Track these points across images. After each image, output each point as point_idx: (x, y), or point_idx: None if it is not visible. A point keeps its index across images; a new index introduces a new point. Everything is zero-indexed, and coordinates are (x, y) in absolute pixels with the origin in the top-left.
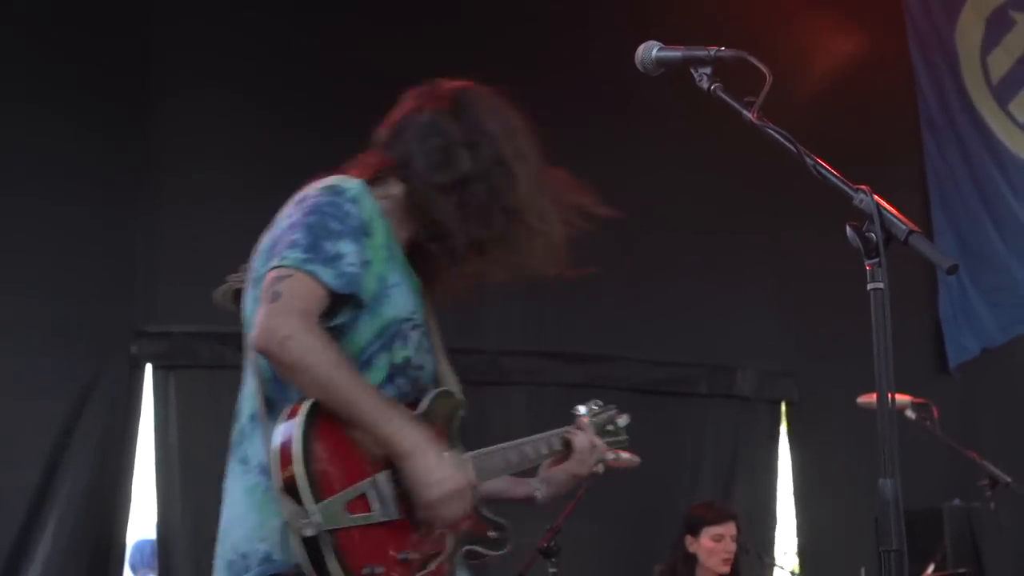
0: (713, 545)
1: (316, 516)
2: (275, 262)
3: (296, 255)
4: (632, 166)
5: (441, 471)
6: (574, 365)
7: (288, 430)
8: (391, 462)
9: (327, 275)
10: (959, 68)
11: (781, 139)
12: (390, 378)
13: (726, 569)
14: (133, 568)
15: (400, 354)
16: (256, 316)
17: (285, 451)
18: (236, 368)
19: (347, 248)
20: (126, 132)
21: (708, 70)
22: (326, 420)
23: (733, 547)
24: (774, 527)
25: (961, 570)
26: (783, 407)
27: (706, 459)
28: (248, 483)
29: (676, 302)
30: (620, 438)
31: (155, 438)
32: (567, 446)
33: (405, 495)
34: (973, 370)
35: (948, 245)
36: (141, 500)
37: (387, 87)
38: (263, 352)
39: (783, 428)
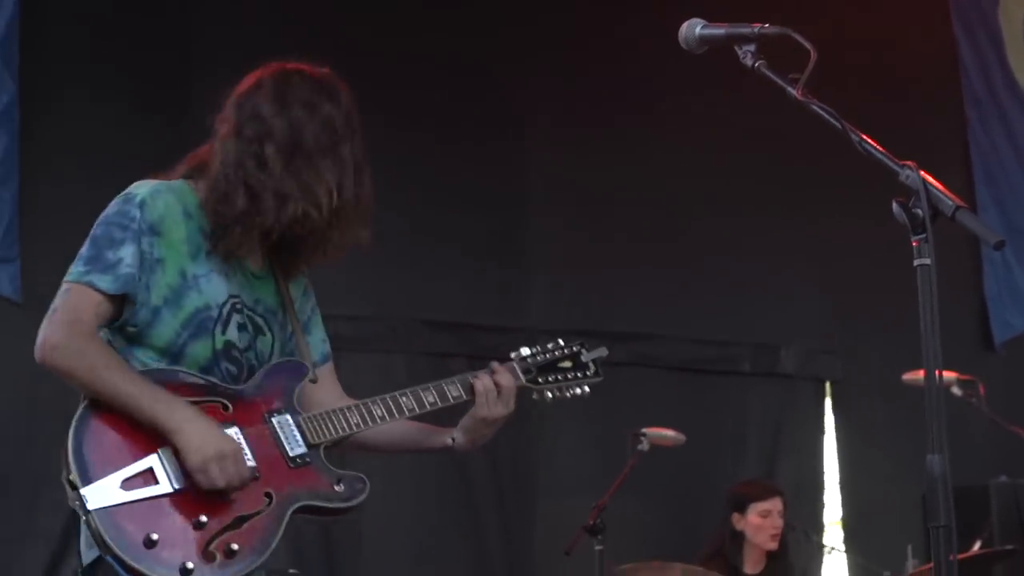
0: (761, 521)
1: (85, 498)
2: (68, 275)
3: (78, 269)
4: (677, 148)
5: (199, 440)
6: (618, 344)
7: (73, 420)
8: None
9: (104, 282)
10: (1002, 44)
11: (826, 115)
12: (214, 362)
13: (774, 545)
14: None
15: (219, 339)
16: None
17: (66, 445)
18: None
19: (126, 252)
20: (167, 115)
21: (752, 47)
22: (109, 409)
23: (780, 523)
24: (820, 505)
25: (1009, 546)
26: (827, 385)
27: (750, 437)
28: None
29: (720, 281)
30: (580, 375)
31: None
32: (472, 391)
33: None
34: (1018, 347)
35: (992, 222)
36: None
37: (427, 70)
38: (42, 363)
39: (827, 406)
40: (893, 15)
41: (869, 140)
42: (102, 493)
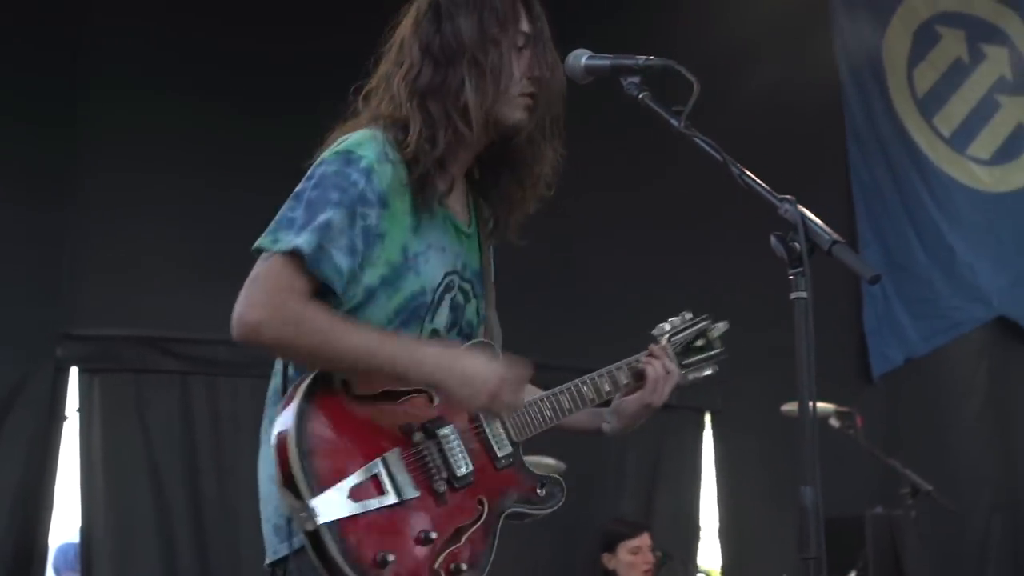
0: (632, 559)
1: (314, 510)
2: (265, 240)
3: (290, 239)
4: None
5: (472, 384)
6: None
7: (285, 419)
8: (402, 437)
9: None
10: (886, 81)
11: (708, 148)
12: None
13: None
14: (57, 571)
15: (427, 328)
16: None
17: (281, 443)
18: (161, 372)
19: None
20: (54, 127)
21: (636, 79)
22: (328, 401)
23: (651, 557)
24: (698, 535)
25: None
26: (707, 416)
27: (629, 467)
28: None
29: (601, 308)
30: (711, 353)
31: (79, 441)
32: (639, 377)
33: (422, 468)
34: (896, 380)
35: (873, 257)
36: (65, 503)
37: (322, 72)
38: (241, 342)
39: (707, 436)
40: (778, 49)
41: (749, 174)
42: (332, 504)
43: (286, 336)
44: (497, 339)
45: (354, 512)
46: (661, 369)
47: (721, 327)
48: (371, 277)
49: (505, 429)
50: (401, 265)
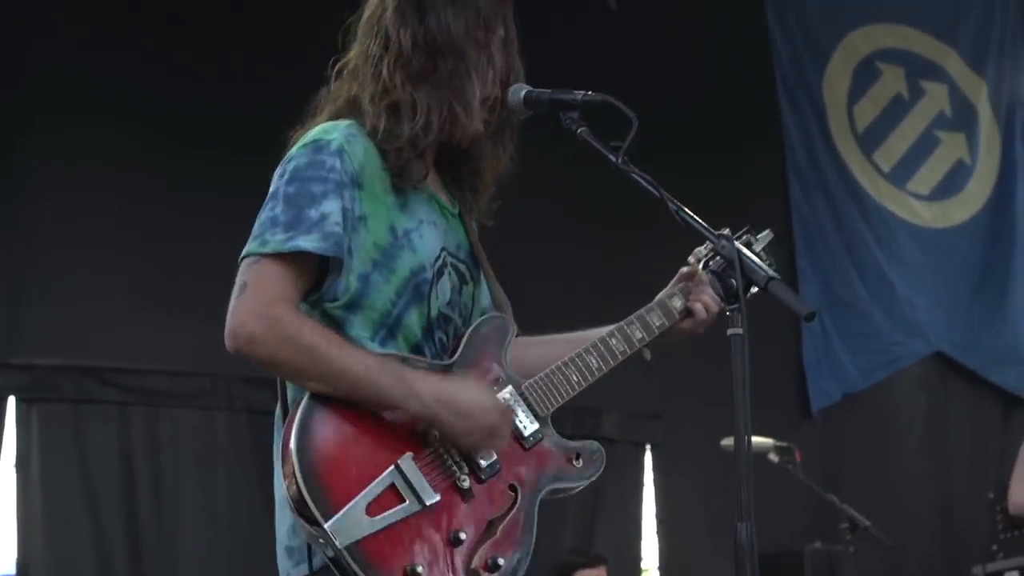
0: None
1: (330, 534)
2: (252, 245)
3: (278, 238)
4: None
5: (470, 417)
6: None
7: (287, 441)
8: (415, 438)
9: (312, 243)
10: (826, 117)
11: (645, 184)
12: (427, 333)
13: None
14: None
15: (434, 306)
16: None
17: (287, 467)
18: (100, 403)
19: (331, 207)
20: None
21: (575, 114)
22: (330, 415)
23: None
24: (638, 569)
25: None
26: (648, 449)
27: (570, 500)
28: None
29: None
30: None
31: (16, 471)
32: (672, 315)
33: (441, 468)
34: (835, 415)
35: (813, 292)
36: (1, 534)
37: (272, 105)
38: (235, 353)
39: (648, 470)
40: (719, 86)
41: (686, 210)
42: (349, 525)
43: (280, 353)
44: (505, 309)
45: (374, 529)
46: (711, 305)
47: (764, 237)
48: (362, 263)
49: (529, 405)
50: (392, 245)
